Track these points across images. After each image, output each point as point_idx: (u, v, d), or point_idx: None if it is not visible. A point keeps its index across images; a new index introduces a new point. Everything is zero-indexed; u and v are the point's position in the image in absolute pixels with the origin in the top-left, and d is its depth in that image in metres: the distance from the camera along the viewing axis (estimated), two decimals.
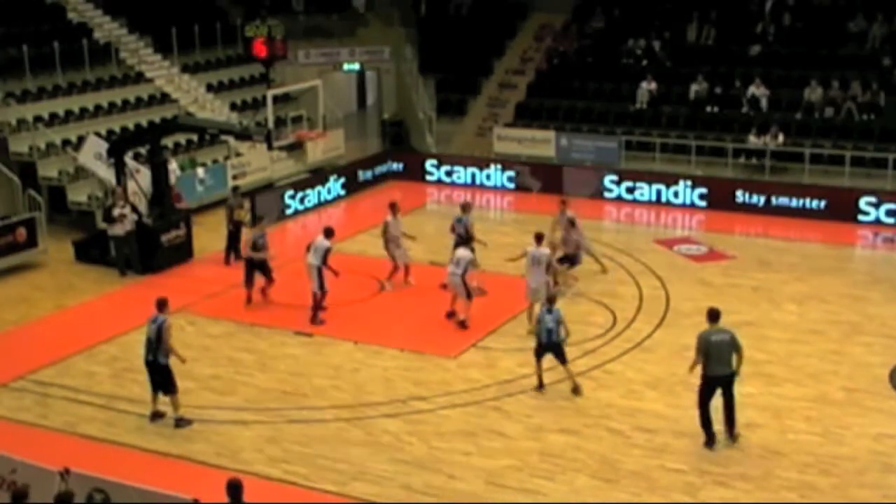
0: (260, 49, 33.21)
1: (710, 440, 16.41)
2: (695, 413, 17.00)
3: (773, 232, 28.23)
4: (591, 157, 33.28)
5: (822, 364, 19.42)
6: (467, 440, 16.63)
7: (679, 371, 18.78)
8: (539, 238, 20.86)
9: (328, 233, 21.83)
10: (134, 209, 25.19)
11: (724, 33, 36.33)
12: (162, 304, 17.19)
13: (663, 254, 26.37)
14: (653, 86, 34.68)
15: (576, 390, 18.17)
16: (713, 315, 16.38)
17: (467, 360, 19.79)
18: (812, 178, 30.58)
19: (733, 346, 16.19)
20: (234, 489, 12.04)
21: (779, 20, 35.86)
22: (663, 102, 34.63)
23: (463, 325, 21.33)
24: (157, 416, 17.41)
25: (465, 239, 22.81)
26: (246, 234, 21.97)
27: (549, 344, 17.89)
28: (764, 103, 33.14)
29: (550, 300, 18.30)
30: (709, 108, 33.83)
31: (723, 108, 33.71)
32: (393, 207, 23.81)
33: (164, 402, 17.35)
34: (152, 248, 25.15)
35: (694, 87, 34.00)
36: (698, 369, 16.35)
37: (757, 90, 33.20)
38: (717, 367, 16.14)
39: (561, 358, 18.12)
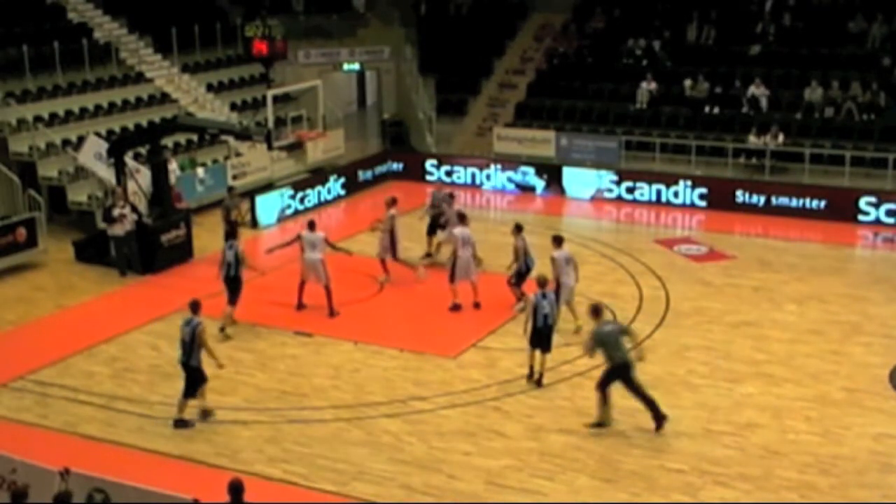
0: (260, 49, 33.18)
1: (658, 420, 16.76)
2: (695, 413, 17.27)
3: (773, 232, 28.21)
4: (591, 157, 33.23)
5: (822, 364, 19.38)
6: (467, 440, 16.57)
7: (679, 371, 19.06)
8: (559, 240, 20.69)
9: (312, 225, 22.08)
10: (134, 209, 25.12)
11: (724, 33, 36.29)
12: (195, 307, 17.11)
13: (663, 254, 26.34)
14: (653, 86, 34.66)
15: (539, 382, 18.46)
16: (596, 311, 16.99)
17: (467, 360, 19.73)
18: (812, 178, 30.54)
19: (624, 332, 16.95)
20: (236, 490, 12.01)
21: (779, 20, 35.84)
22: (663, 102, 34.59)
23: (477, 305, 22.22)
24: (206, 413, 17.37)
25: (462, 216, 23.38)
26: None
27: (546, 328, 18.07)
28: (764, 103, 33.11)
29: (542, 284, 18.38)
30: (708, 108, 33.80)
31: (723, 108, 33.68)
32: (387, 201, 24.34)
33: (191, 403, 17.29)
34: (152, 248, 25.08)
35: (687, 84, 33.98)
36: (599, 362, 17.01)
37: (757, 90, 33.17)
38: (622, 354, 16.64)
39: (548, 345, 18.31)
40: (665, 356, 19.75)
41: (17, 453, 13.65)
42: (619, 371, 16.61)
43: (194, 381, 17.07)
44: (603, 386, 16.74)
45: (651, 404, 16.72)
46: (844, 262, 26.28)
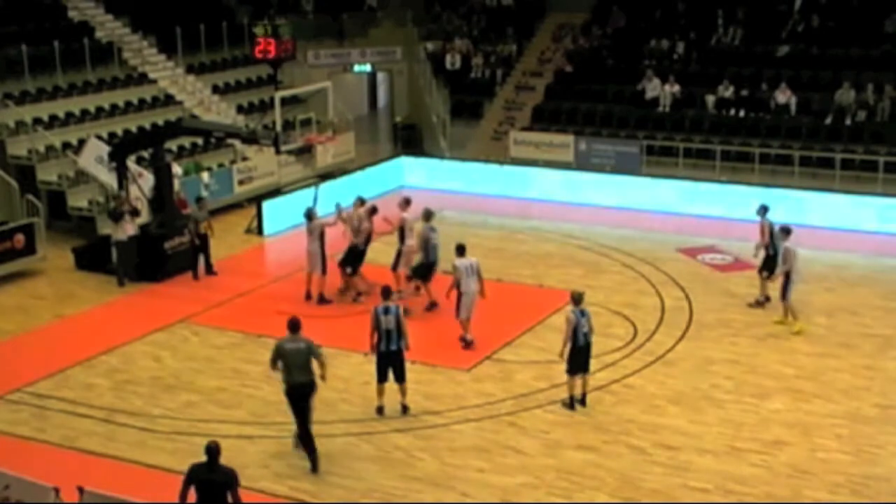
0: (268, 49, 32.81)
1: (313, 462, 15.89)
2: (720, 430, 16.99)
3: (801, 240, 27.41)
4: (611, 162, 32.74)
5: (853, 379, 18.90)
6: (481, 456, 16.30)
7: (702, 386, 18.81)
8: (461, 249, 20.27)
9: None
10: (137, 214, 24.93)
11: (750, 33, 35.65)
12: (387, 293, 17.42)
13: (687, 263, 25.80)
14: (675, 88, 34.04)
15: (583, 402, 17.90)
16: (292, 325, 15.70)
17: (481, 373, 19.40)
18: (843, 183, 29.79)
19: (311, 353, 15.65)
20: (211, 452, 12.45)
21: (809, 19, 35.12)
22: (686, 105, 33.98)
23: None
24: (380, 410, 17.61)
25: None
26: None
27: (587, 346, 17.51)
28: (791, 107, 32.29)
29: (577, 301, 17.59)
30: (733, 112, 33.15)
31: (748, 112, 33.02)
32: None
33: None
34: (155, 255, 24.78)
35: (710, 100, 33.40)
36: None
37: (783, 96, 32.39)
38: (298, 375, 15.61)
39: (588, 365, 17.84)
40: (688, 370, 19.38)
41: (13, 469, 13.36)
42: (300, 391, 15.63)
43: (402, 364, 17.42)
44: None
45: (309, 445, 15.86)
46: (876, 272, 25.57)
